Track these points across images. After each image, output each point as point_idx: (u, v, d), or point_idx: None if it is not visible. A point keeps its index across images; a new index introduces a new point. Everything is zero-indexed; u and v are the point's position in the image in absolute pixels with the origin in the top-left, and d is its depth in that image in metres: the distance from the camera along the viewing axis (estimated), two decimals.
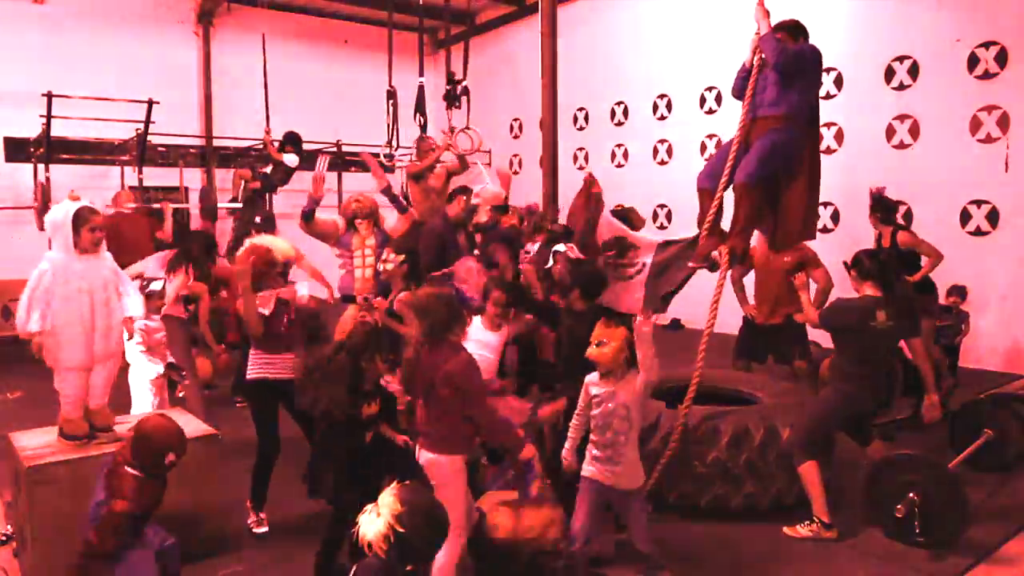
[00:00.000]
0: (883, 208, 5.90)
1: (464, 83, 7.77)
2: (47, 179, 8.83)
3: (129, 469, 2.92)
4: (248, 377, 3.98)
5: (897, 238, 5.83)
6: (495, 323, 3.93)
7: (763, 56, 4.14)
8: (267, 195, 8.58)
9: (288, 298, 3.99)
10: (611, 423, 3.13)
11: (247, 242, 4.13)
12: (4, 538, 3.89)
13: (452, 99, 7.76)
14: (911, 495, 3.67)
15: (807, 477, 3.85)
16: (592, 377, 3.24)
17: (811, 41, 4.18)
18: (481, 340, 3.82)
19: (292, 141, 8.58)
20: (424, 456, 3.04)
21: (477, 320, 3.87)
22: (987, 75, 7.11)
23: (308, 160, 9.59)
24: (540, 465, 3.28)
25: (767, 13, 4.17)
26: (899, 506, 3.67)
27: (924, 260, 5.79)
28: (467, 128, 7.59)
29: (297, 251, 4.32)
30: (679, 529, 3.92)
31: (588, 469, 3.21)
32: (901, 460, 3.83)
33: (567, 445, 3.35)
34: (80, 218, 3.47)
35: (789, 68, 4.03)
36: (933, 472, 3.69)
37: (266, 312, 3.89)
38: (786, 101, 4.10)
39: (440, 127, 10.66)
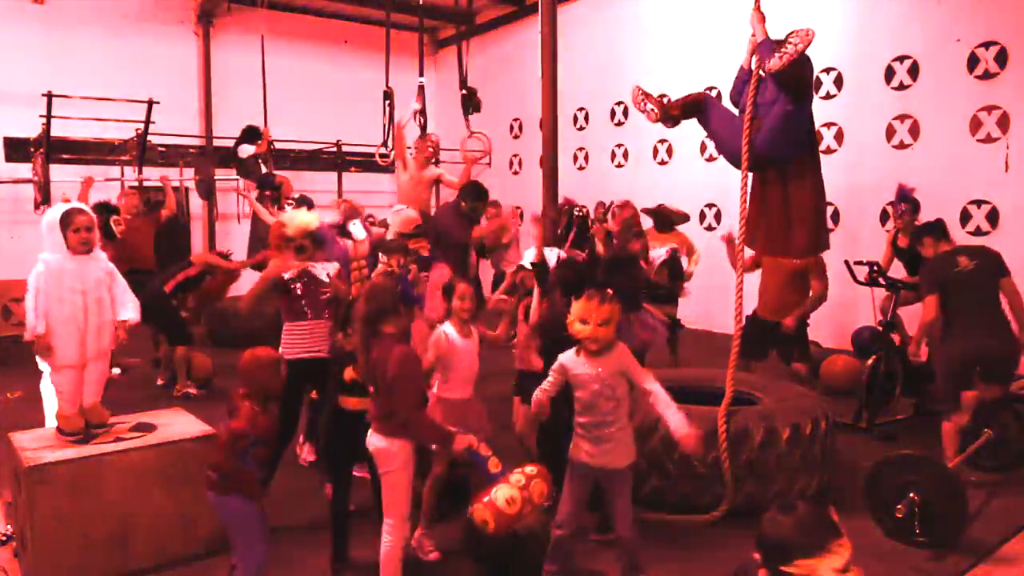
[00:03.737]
0: (916, 208, 5.94)
1: (471, 91, 7.78)
2: (46, 172, 8.83)
3: (245, 398, 2.99)
4: (284, 357, 3.98)
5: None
6: (465, 325, 3.75)
7: (760, 61, 4.13)
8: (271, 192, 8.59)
9: (318, 273, 4.10)
10: (597, 403, 3.04)
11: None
12: (4, 538, 3.89)
13: (468, 105, 7.74)
14: (911, 495, 3.67)
15: (944, 433, 4.48)
16: (569, 356, 3.11)
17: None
18: (463, 352, 3.70)
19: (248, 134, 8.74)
20: (373, 442, 3.09)
21: (451, 328, 3.74)
22: (987, 75, 7.10)
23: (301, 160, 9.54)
24: (485, 446, 3.15)
25: (763, 18, 4.17)
26: (899, 506, 3.67)
27: None
28: (477, 133, 7.61)
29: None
30: (679, 529, 3.92)
31: (574, 451, 3.14)
32: (901, 460, 3.83)
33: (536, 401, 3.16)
34: (65, 220, 3.52)
35: (784, 74, 3.99)
36: (933, 472, 3.69)
37: (286, 276, 4.02)
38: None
39: (440, 127, 10.68)
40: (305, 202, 6.40)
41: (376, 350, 3.05)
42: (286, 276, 4.04)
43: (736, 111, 4.39)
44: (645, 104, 4.44)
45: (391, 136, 7.87)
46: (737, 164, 4.18)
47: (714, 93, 9.36)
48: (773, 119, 4.06)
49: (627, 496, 3.14)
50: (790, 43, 3.78)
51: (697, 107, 4.49)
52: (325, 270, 4.15)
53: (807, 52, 4.02)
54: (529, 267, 4.41)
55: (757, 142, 4.07)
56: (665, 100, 4.56)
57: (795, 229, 4.37)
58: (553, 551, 3.21)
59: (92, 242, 3.61)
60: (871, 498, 3.86)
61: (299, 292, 4.03)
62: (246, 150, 8.70)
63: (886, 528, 3.80)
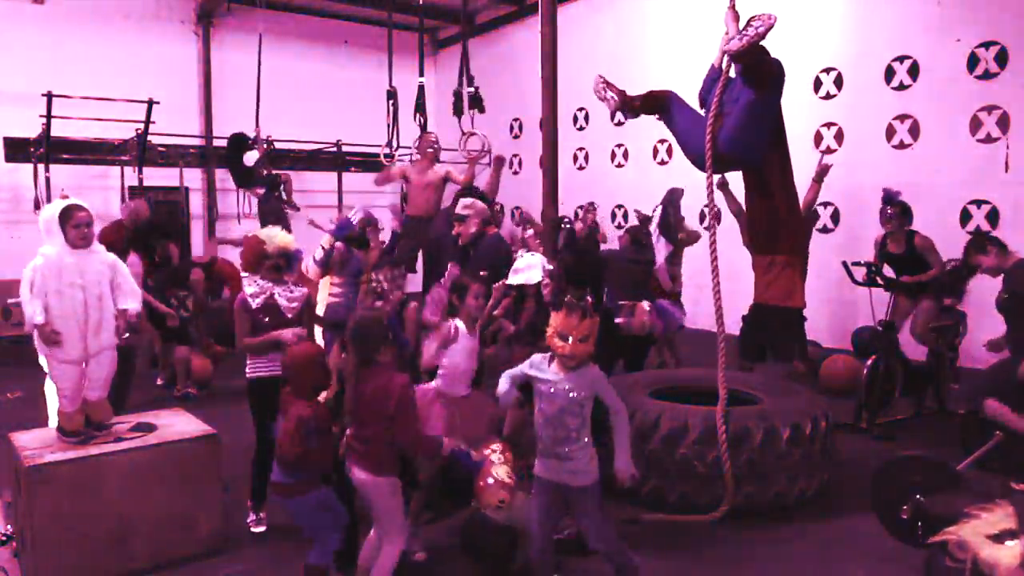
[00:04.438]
0: (905, 211, 5.96)
1: (476, 89, 7.80)
2: (47, 179, 8.85)
3: (294, 397, 3.07)
4: (247, 376, 3.98)
5: (915, 241, 5.89)
6: (474, 324, 3.79)
7: (731, 60, 4.09)
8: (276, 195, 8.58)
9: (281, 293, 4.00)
10: (564, 419, 2.93)
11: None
12: (4, 538, 3.89)
13: (472, 104, 7.77)
14: (917, 497, 3.66)
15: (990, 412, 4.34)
16: (541, 364, 3.00)
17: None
18: (468, 349, 3.71)
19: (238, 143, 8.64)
20: (358, 476, 3.00)
21: (461, 325, 3.75)
22: (987, 75, 7.10)
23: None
24: (463, 443, 3.18)
25: (736, 17, 4.15)
26: (904, 507, 3.66)
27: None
28: (475, 132, 7.64)
29: None
30: (679, 529, 3.92)
31: (538, 467, 3.02)
32: (907, 461, 3.81)
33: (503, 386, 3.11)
34: (65, 215, 3.52)
35: (748, 61, 3.90)
36: (939, 474, 3.68)
37: (254, 305, 3.91)
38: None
39: (440, 127, 10.69)
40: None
41: (371, 381, 2.95)
42: (253, 304, 3.93)
43: (703, 111, 4.32)
44: (606, 92, 4.35)
45: (395, 135, 7.88)
46: (700, 165, 4.09)
47: None
48: (735, 117, 3.97)
49: (594, 515, 3.01)
50: (752, 26, 3.70)
51: (660, 103, 4.38)
52: (289, 293, 4.03)
53: (776, 56, 3.97)
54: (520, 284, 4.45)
55: (719, 140, 3.98)
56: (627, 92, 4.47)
57: (777, 229, 4.35)
58: (536, 571, 3.13)
59: (91, 237, 3.62)
60: (877, 499, 3.85)
61: (261, 314, 3.93)
62: (252, 157, 8.59)
63: (891, 529, 3.79)
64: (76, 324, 3.54)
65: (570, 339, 2.87)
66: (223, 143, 10.88)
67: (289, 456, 2.94)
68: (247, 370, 3.97)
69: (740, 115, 3.95)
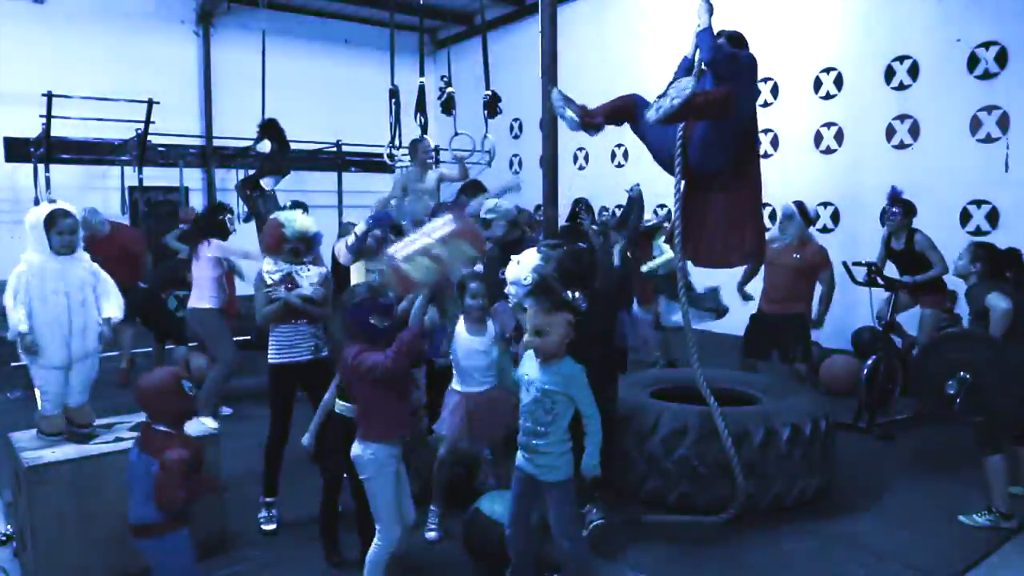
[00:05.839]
0: (908, 208, 5.94)
1: (450, 90, 7.80)
2: (47, 179, 8.85)
3: (159, 428, 2.79)
4: (269, 362, 3.98)
5: (914, 238, 5.87)
6: (477, 322, 3.79)
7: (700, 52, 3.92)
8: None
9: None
10: (536, 412, 2.95)
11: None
12: (4, 538, 3.89)
13: (447, 106, 7.79)
14: (963, 374, 3.66)
15: (990, 467, 3.86)
16: (526, 360, 3.07)
17: (763, 52, 4.02)
18: (469, 348, 3.74)
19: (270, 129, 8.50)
20: (352, 449, 3.06)
21: (462, 325, 3.78)
22: (987, 75, 7.10)
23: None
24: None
25: (710, 9, 4.14)
26: (950, 382, 3.67)
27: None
28: (460, 132, 7.64)
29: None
30: (679, 529, 3.92)
31: (517, 457, 3.07)
32: (955, 337, 3.79)
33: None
34: (49, 222, 3.53)
35: (721, 67, 3.86)
36: (988, 350, 3.67)
37: (268, 282, 3.94)
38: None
39: (440, 127, 10.68)
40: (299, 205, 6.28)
41: (349, 355, 2.99)
42: (268, 282, 3.95)
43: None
44: (565, 109, 4.05)
45: (398, 134, 7.86)
46: (670, 170, 3.95)
47: None
48: (703, 127, 3.81)
49: (560, 510, 3.01)
50: (667, 96, 3.61)
51: (627, 114, 4.11)
52: (309, 275, 4.03)
53: (750, 50, 3.96)
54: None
55: (688, 153, 3.83)
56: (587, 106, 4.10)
57: (732, 235, 4.00)
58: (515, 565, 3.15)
59: (75, 244, 3.61)
60: (920, 376, 3.86)
61: (281, 286, 3.95)
62: (264, 147, 8.42)
63: (932, 408, 3.78)
64: (60, 330, 3.54)
65: (533, 332, 2.93)
66: (223, 143, 10.90)
67: (175, 503, 2.68)
68: (269, 356, 3.98)
69: (707, 128, 3.82)
